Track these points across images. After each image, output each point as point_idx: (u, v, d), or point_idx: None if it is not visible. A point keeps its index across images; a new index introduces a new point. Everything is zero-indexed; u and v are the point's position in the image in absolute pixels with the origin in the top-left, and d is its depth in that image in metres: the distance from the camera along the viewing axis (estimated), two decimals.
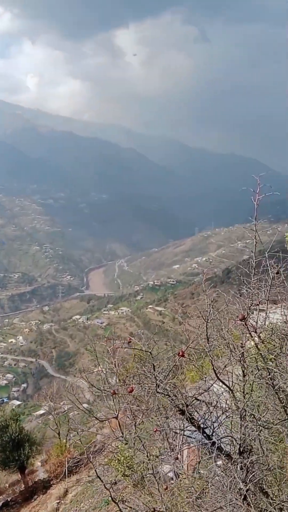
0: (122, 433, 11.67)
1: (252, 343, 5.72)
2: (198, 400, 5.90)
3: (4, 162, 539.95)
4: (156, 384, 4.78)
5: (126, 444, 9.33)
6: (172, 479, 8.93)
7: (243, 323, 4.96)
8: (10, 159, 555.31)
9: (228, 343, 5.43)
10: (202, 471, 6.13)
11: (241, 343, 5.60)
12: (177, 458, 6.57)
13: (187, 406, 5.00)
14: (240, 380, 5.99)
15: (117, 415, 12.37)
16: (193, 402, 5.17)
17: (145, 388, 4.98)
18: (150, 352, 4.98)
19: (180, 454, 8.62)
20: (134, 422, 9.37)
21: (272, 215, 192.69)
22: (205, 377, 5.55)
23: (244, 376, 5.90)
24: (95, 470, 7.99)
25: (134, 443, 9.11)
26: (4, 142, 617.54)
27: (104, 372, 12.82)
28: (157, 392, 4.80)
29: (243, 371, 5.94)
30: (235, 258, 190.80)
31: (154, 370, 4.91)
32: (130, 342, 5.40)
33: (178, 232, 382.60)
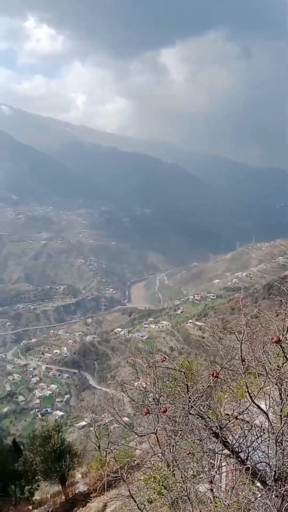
0: (161, 450, 11.48)
1: None
2: (236, 420, 5.70)
3: (52, 177, 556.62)
4: (189, 406, 4.66)
5: (163, 461, 9.16)
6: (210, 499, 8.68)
7: (279, 345, 4.77)
8: (58, 175, 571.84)
9: (264, 365, 5.24)
10: (239, 495, 5.91)
11: (278, 365, 5.39)
12: (211, 482, 6.36)
13: (221, 428, 4.84)
14: (277, 403, 5.76)
15: (156, 431, 12.19)
16: (227, 425, 5.01)
17: (178, 409, 4.87)
18: (183, 372, 4.86)
19: (219, 474, 8.38)
20: (169, 441, 9.18)
21: None
22: (240, 399, 5.37)
23: (281, 399, 5.69)
24: (129, 490, 7.86)
25: (172, 461, 8.93)
26: (52, 158, 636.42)
27: (144, 387, 12.69)
28: (190, 413, 4.68)
29: (280, 394, 5.72)
30: (277, 274, 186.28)
31: (188, 391, 4.79)
32: (164, 360, 5.29)
33: (219, 247, 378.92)
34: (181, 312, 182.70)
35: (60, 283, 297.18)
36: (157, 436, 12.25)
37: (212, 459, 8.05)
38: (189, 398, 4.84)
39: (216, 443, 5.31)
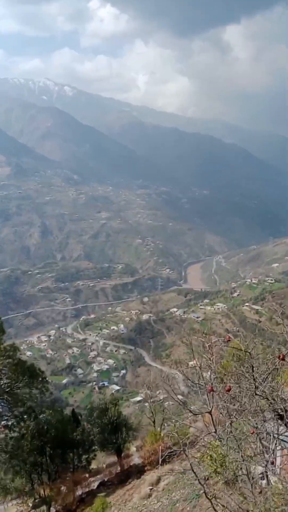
0: (216, 429, 11.44)
1: None
2: None
3: (112, 157, 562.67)
4: (255, 386, 4.57)
5: (219, 440, 9.11)
6: (263, 479, 8.57)
7: None
8: (117, 155, 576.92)
9: None
10: None
11: None
12: (272, 463, 6.26)
13: (286, 411, 4.72)
14: None
15: (211, 410, 12.15)
16: None
17: (243, 388, 4.79)
18: (249, 353, 4.76)
19: (275, 458, 8.24)
20: (229, 420, 9.10)
21: None
22: None
23: None
24: (190, 464, 7.92)
25: (227, 441, 8.88)
26: (112, 139, 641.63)
27: (200, 366, 12.63)
28: (256, 394, 4.59)
29: None
30: None
31: (253, 371, 4.70)
32: (229, 340, 5.21)
33: (279, 230, 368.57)
34: (238, 295, 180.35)
35: (118, 262, 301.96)
36: (211, 415, 12.21)
37: (269, 442, 7.91)
38: (255, 378, 4.74)
39: (280, 425, 5.20)
